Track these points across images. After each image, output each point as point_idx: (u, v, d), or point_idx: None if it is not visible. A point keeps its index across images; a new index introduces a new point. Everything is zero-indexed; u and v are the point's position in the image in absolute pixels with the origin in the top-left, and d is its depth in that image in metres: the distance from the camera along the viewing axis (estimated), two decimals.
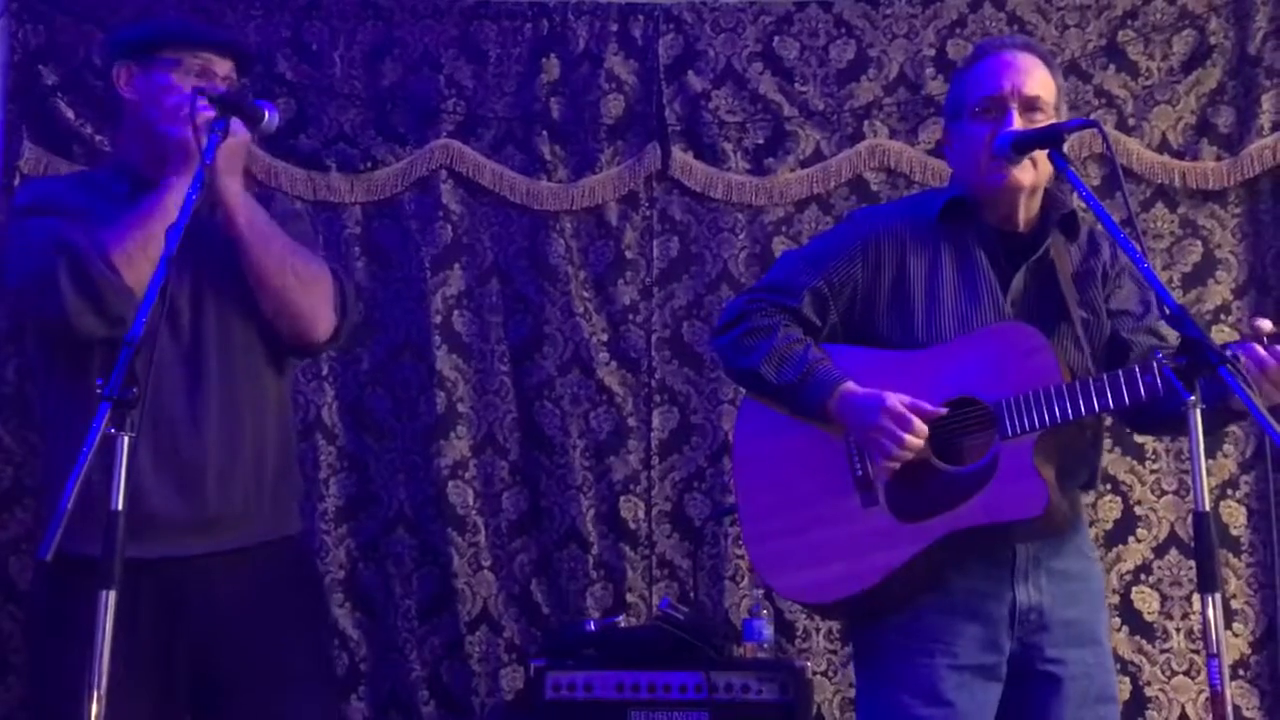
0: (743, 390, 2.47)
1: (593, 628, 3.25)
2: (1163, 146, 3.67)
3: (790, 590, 2.31)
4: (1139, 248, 1.95)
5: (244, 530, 2.29)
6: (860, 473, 2.20)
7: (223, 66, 2.35)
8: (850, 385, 2.18)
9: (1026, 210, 2.25)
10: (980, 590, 2.17)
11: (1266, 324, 1.99)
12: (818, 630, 3.57)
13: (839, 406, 2.18)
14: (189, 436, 2.24)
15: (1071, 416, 2.06)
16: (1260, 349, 1.95)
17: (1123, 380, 2.03)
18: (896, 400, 2.12)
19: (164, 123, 2.24)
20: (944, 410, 2.14)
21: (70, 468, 1.71)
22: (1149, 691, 3.51)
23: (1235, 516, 3.57)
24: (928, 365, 2.19)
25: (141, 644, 2.15)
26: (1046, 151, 2.14)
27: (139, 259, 2.13)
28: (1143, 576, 3.56)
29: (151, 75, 2.30)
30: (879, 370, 2.20)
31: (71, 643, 2.08)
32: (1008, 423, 2.10)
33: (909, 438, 2.11)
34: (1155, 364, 1.99)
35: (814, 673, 3.40)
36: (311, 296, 2.31)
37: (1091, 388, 2.05)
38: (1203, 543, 1.76)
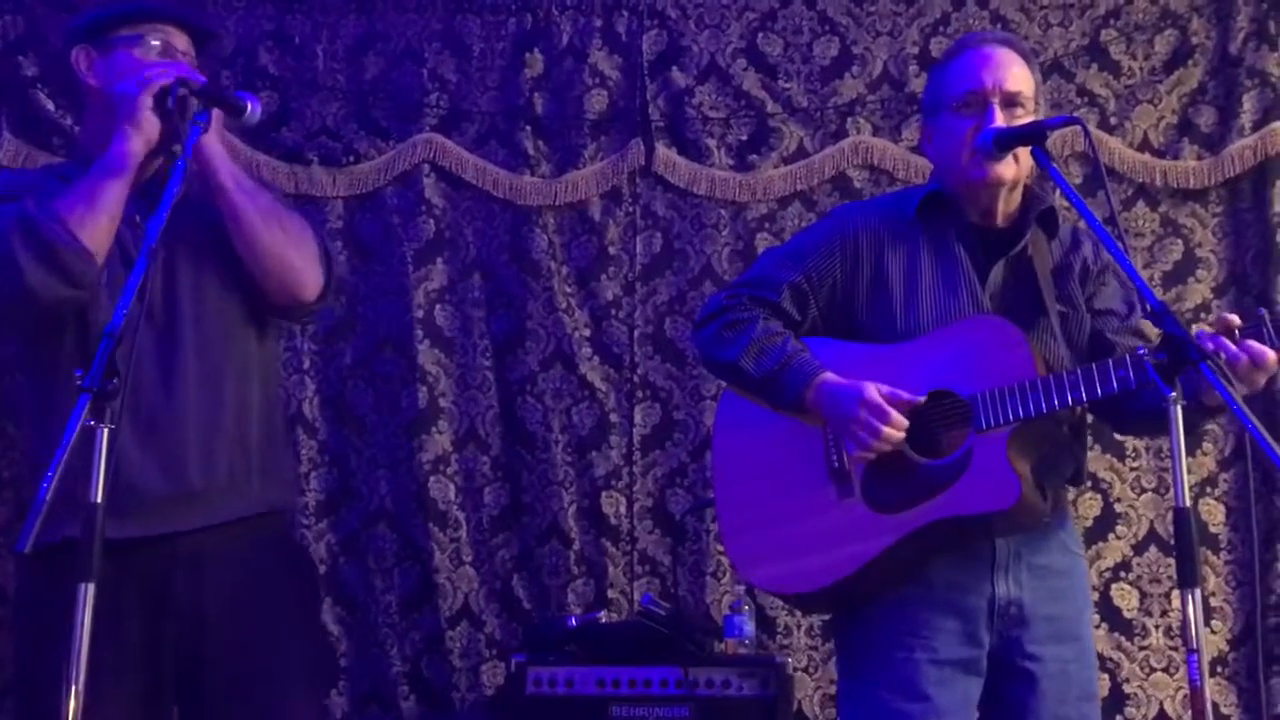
0: (724, 385, 2.47)
1: (574, 623, 3.26)
2: (1144, 145, 3.68)
3: (765, 581, 2.32)
4: (1122, 246, 1.96)
5: (230, 504, 2.24)
6: (836, 464, 2.21)
7: (183, 41, 2.30)
8: (828, 376, 2.19)
9: (1006, 205, 2.26)
10: (959, 583, 2.17)
11: (1234, 319, 2.01)
12: (799, 626, 3.57)
13: (817, 397, 2.19)
14: (165, 410, 2.19)
15: (1045, 410, 2.07)
16: (1230, 344, 1.97)
17: (1095, 374, 2.04)
18: (875, 391, 2.13)
19: (121, 83, 2.17)
20: (923, 399, 2.15)
21: (48, 460, 1.68)
22: (1128, 688, 3.53)
23: (1214, 514, 3.58)
24: (905, 358, 2.20)
25: (127, 627, 2.12)
26: (1029, 148, 2.15)
27: (91, 217, 2.09)
28: (1122, 574, 3.58)
29: (112, 56, 2.26)
30: (857, 363, 2.21)
31: (57, 632, 2.07)
32: (982, 416, 2.10)
33: (887, 429, 2.11)
34: (1129, 359, 2.01)
35: (795, 668, 3.40)
36: (300, 251, 2.27)
37: (1065, 381, 2.06)
38: (1183, 539, 1.77)
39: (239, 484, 2.26)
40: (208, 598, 2.20)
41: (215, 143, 2.21)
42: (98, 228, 2.10)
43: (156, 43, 2.27)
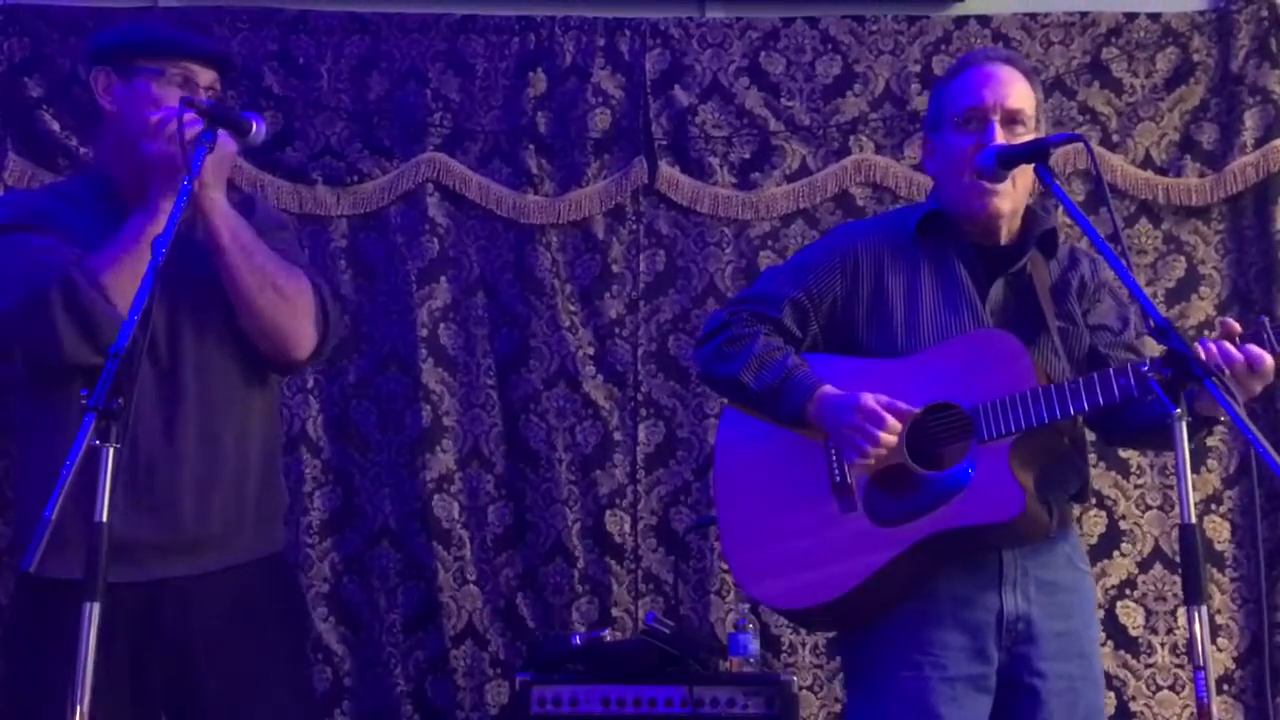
0: (726, 402, 2.47)
1: (578, 642, 3.24)
2: (1146, 163, 3.69)
3: (768, 596, 2.31)
4: (1125, 263, 1.96)
5: (223, 552, 2.25)
6: (838, 478, 2.21)
7: (205, 76, 2.30)
8: (828, 388, 2.19)
9: (1008, 225, 2.28)
10: (966, 598, 2.17)
11: (1235, 325, 2.02)
12: (804, 644, 3.56)
13: (817, 409, 2.19)
14: (164, 457, 2.19)
15: (1046, 419, 2.07)
16: (1231, 347, 1.98)
17: (1097, 383, 2.05)
18: (871, 399, 2.14)
19: (147, 140, 2.16)
20: (918, 410, 2.15)
21: (51, 480, 1.68)
22: (1134, 706, 3.51)
23: (1219, 531, 3.58)
24: (906, 372, 2.21)
25: (115, 667, 2.11)
26: (1032, 166, 2.16)
27: (131, 286, 2.05)
28: (1127, 591, 3.57)
29: (133, 85, 2.25)
30: (858, 377, 2.22)
31: (47, 662, 2.06)
32: (984, 427, 2.11)
33: (883, 435, 2.12)
34: (1131, 369, 2.01)
35: (800, 687, 3.39)
36: (293, 314, 2.26)
37: (1066, 390, 2.06)
38: (1188, 555, 1.77)
39: (231, 535, 2.26)
40: (195, 636, 2.20)
41: (220, 199, 2.21)
42: (128, 289, 2.06)
43: (178, 75, 2.26)
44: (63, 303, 2.10)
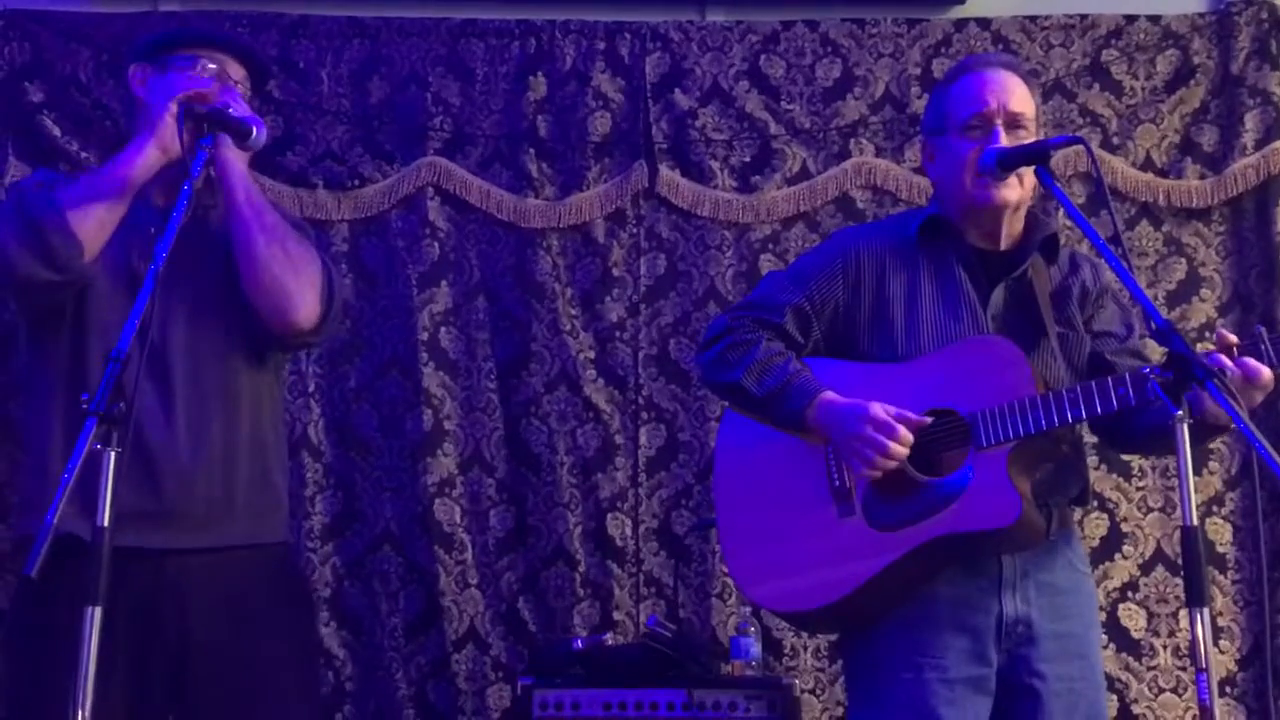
0: (727, 406, 2.47)
1: (580, 646, 3.24)
2: (1147, 165, 3.69)
3: (766, 599, 2.31)
4: (1126, 265, 1.97)
5: (211, 531, 2.25)
6: (838, 483, 2.21)
7: (237, 71, 2.36)
8: (829, 394, 2.19)
9: (1010, 228, 2.27)
10: (966, 601, 2.17)
11: (1231, 337, 2.03)
12: (805, 648, 3.56)
13: (818, 415, 2.19)
14: (152, 433, 2.20)
15: (1045, 427, 2.08)
16: (1227, 360, 1.98)
17: (1095, 391, 2.05)
18: (881, 409, 2.13)
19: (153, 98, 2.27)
20: (928, 419, 2.15)
21: (53, 484, 1.70)
22: (1136, 709, 3.51)
23: (1221, 534, 3.58)
24: (905, 378, 2.21)
25: (116, 644, 2.09)
26: (1032, 168, 2.16)
27: (86, 206, 2.15)
28: (1129, 594, 3.57)
29: (167, 75, 2.32)
30: (858, 382, 2.22)
31: (49, 661, 2.07)
32: (982, 433, 2.11)
33: (894, 446, 2.11)
34: (1130, 377, 2.02)
35: (802, 690, 3.39)
36: (299, 277, 2.28)
37: (1065, 398, 2.07)
38: (1190, 557, 1.77)
39: (219, 514, 2.26)
40: (195, 615, 2.21)
41: (238, 161, 2.28)
42: (90, 217, 2.15)
43: (213, 66, 2.33)
44: (15, 215, 2.17)
